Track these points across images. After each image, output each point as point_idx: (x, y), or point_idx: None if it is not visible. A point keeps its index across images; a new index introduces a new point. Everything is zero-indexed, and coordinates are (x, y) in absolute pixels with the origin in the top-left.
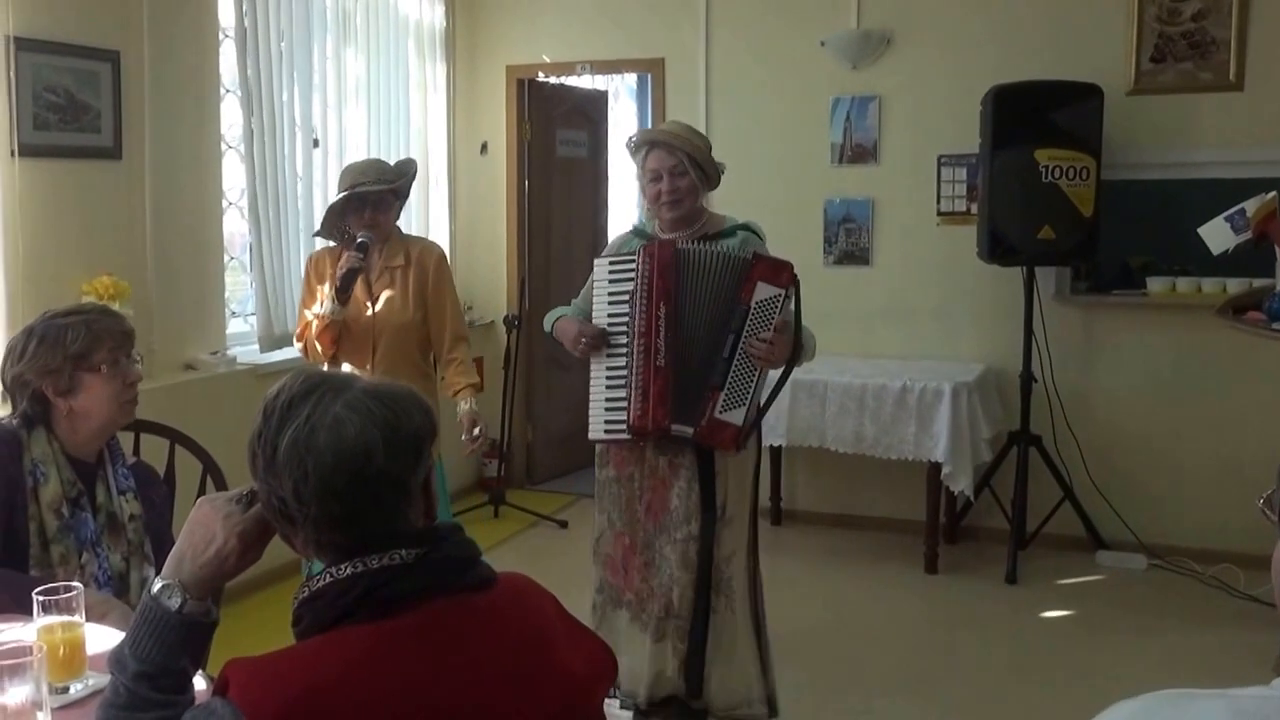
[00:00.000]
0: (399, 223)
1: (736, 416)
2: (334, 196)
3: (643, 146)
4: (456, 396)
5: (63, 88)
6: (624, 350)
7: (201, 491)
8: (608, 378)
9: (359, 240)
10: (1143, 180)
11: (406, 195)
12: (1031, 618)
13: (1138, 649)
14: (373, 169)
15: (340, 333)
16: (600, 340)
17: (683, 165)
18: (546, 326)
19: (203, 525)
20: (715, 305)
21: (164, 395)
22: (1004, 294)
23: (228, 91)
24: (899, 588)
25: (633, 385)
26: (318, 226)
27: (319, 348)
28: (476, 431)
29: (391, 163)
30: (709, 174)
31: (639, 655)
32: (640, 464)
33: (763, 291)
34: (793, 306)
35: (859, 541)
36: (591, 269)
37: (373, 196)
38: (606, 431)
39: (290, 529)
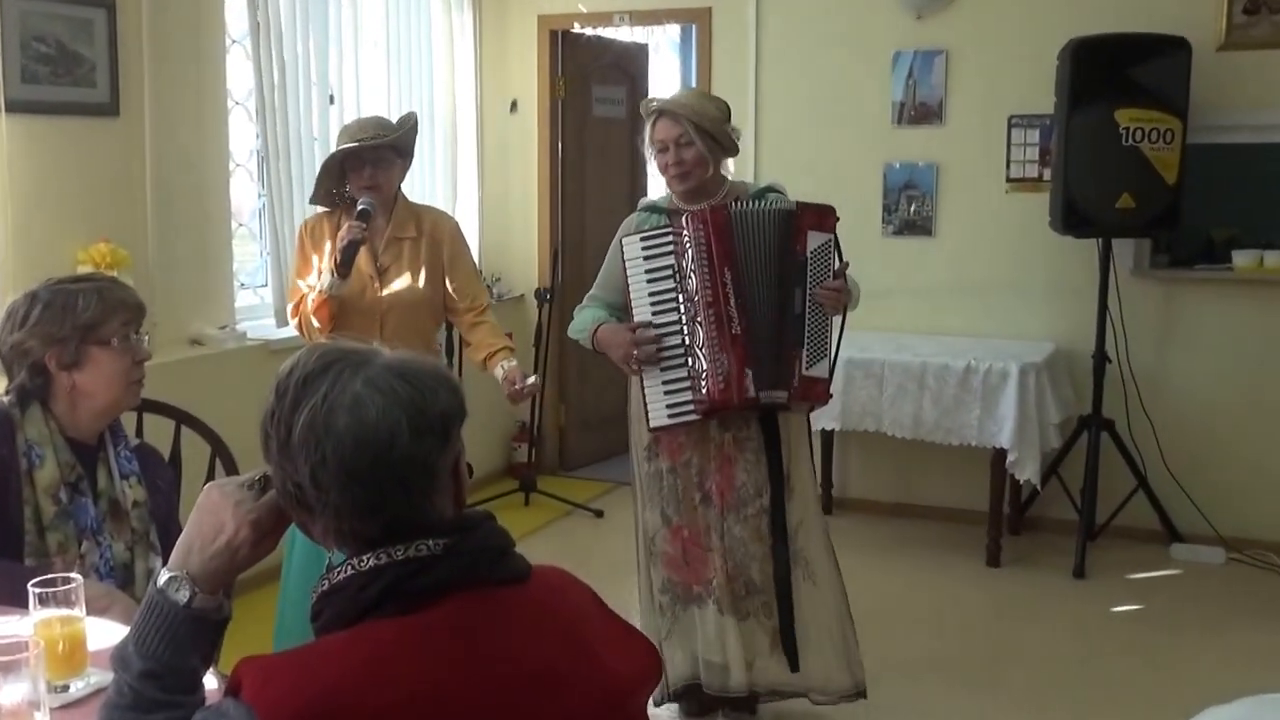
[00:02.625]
0: (405, 190)
1: (822, 369)
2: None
3: (650, 116)
4: (492, 360)
5: (53, 37)
6: (675, 328)
7: (210, 476)
8: (662, 359)
9: (360, 208)
10: (1231, 144)
11: (410, 153)
12: (1100, 614)
13: (1214, 648)
14: (371, 124)
15: (339, 308)
16: (654, 344)
17: (688, 135)
18: (577, 334)
19: (212, 513)
20: (775, 262)
21: (169, 372)
22: (1077, 268)
23: (234, 42)
24: (959, 582)
25: (705, 359)
26: (312, 191)
27: (315, 324)
28: (530, 380)
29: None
30: (722, 142)
31: (727, 642)
32: (701, 446)
33: (814, 239)
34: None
35: (917, 532)
36: (614, 245)
37: (371, 154)
38: (671, 416)
39: (307, 517)
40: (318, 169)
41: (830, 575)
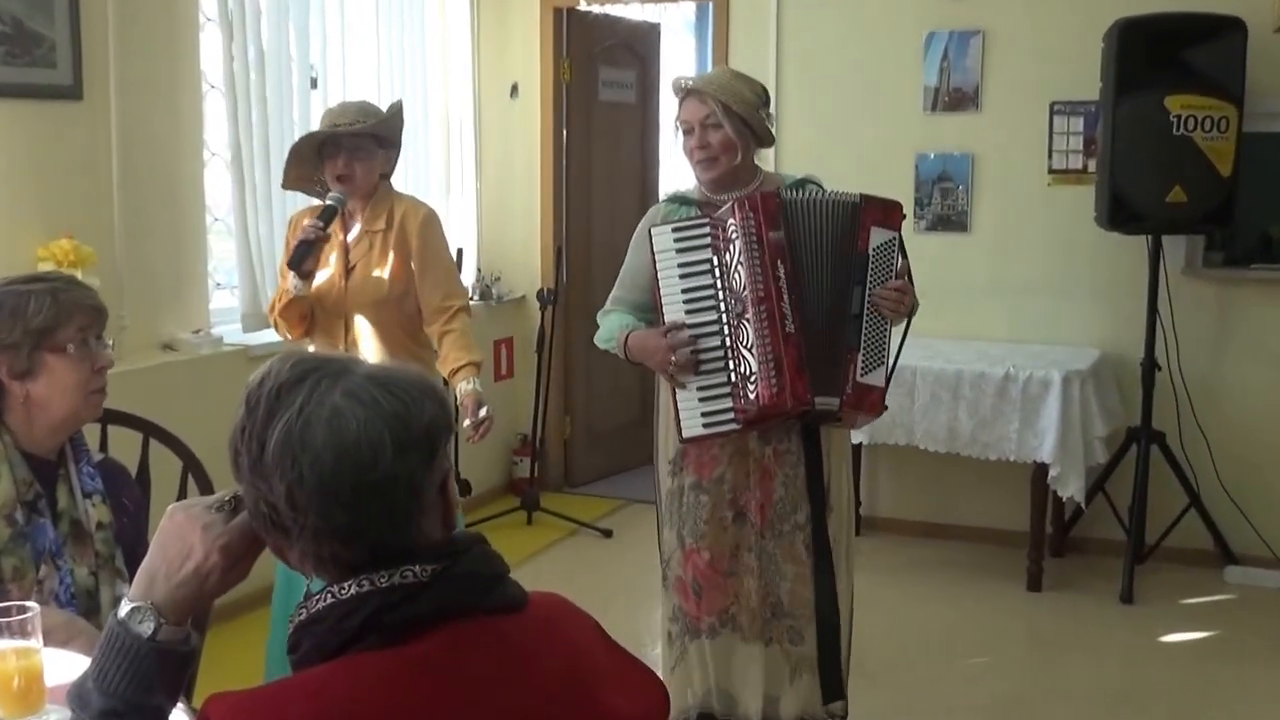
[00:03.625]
0: (396, 183)
1: (878, 378)
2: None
3: (678, 95)
4: (455, 378)
5: (9, 14)
6: (714, 329)
7: (182, 494)
8: (697, 363)
9: (327, 203)
10: None
11: (395, 143)
12: (1150, 642)
13: (1273, 680)
14: (353, 110)
15: (310, 310)
16: (690, 346)
17: (716, 117)
18: (606, 343)
19: (177, 537)
20: (833, 257)
21: (137, 380)
22: (1124, 267)
23: (209, 20)
24: (998, 607)
25: (757, 359)
26: (283, 176)
27: (284, 330)
28: (483, 413)
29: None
30: (755, 128)
31: (748, 671)
32: (738, 459)
33: (878, 236)
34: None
35: (951, 554)
36: (639, 238)
37: (348, 141)
38: (706, 426)
39: (283, 541)
40: None
41: (847, 598)
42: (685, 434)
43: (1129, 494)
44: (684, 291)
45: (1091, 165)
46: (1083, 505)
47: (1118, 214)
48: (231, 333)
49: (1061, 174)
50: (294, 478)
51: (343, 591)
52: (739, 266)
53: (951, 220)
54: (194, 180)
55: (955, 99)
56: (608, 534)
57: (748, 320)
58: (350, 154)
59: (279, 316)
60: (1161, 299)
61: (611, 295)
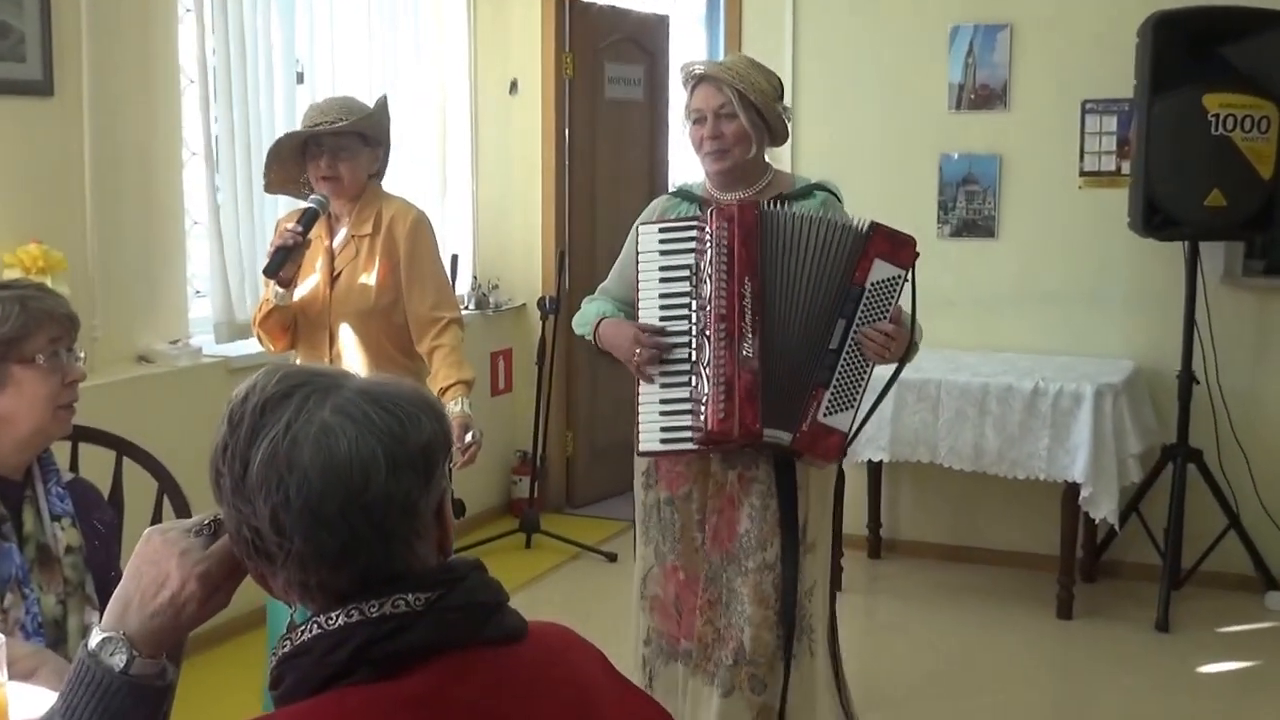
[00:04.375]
0: (387, 186)
1: (843, 421)
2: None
3: (689, 82)
4: (443, 397)
5: None
6: (683, 340)
7: (158, 517)
8: (663, 374)
9: (307, 206)
10: None
11: (382, 141)
12: (1187, 673)
13: None
14: (335, 106)
15: (293, 321)
16: (661, 345)
17: (731, 106)
18: (581, 328)
19: (153, 563)
20: (819, 284)
21: (110, 394)
22: (1160, 275)
23: (188, 11)
24: (1025, 636)
25: (710, 381)
26: (264, 180)
27: (266, 341)
28: (470, 437)
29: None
30: (770, 122)
31: (705, 716)
32: (702, 480)
33: (880, 271)
34: (909, 291)
35: (977, 579)
36: (632, 232)
37: (331, 140)
38: (664, 442)
39: (266, 567)
40: None
41: (825, 643)
42: (641, 447)
43: (1165, 515)
44: (661, 296)
45: (1125, 167)
46: (1116, 527)
47: (1153, 219)
48: (212, 343)
49: (1093, 176)
50: (279, 500)
51: (330, 622)
52: (707, 278)
53: (977, 225)
54: (172, 181)
55: (981, 96)
56: (612, 558)
57: (707, 337)
58: (334, 154)
59: (260, 328)
60: (1199, 309)
61: (600, 286)
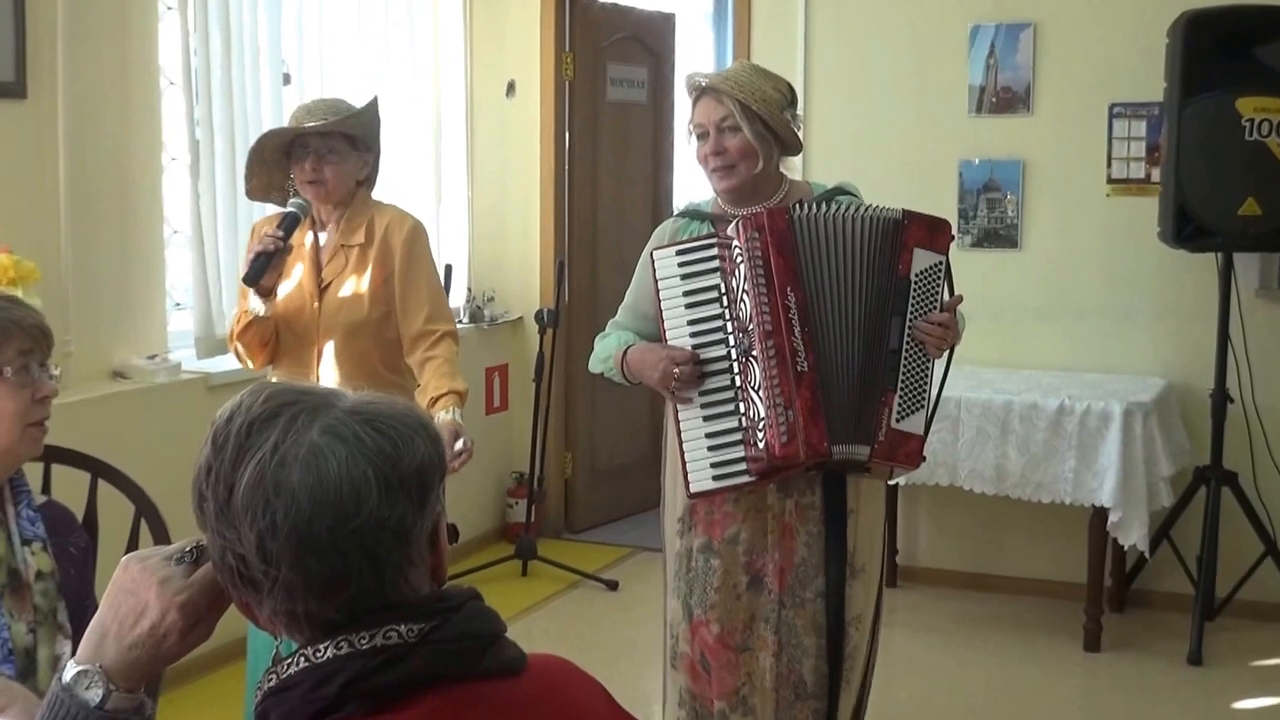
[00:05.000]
0: (378, 192)
1: (916, 424)
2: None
3: (692, 94)
4: (434, 408)
5: None
6: (722, 365)
7: (134, 542)
8: (704, 406)
9: (287, 210)
10: None
11: (371, 145)
12: (1221, 709)
13: None
14: (321, 107)
15: (275, 333)
16: (697, 368)
17: (734, 118)
18: (602, 364)
19: (131, 592)
20: (864, 283)
21: (84, 412)
22: (1192, 287)
23: (169, 9)
24: (1051, 669)
25: (764, 403)
26: (245, 184)
27: (245, 356)
28: (460, 444)
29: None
30: (779, 132)
31: None
32: (756, 518)
33: (922, 259)
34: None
35: (999, 609)
36: (643, 260)
37: (317, 141)
38: (717, 479)
39: (252, 596)
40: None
41: (861, 676)
42: (693, 488)
43: (1197, 542)
44: (690, 323)
45: (1155, 174)
46: (1146, 554)
47: (1184, 228)
48: (191, 358)
49: (1122, 184)
50: (266, 525)
51: (318, 654)
52: (744, 295)
53: (999, 235)
54: (151, 187)
55: (1003, 100)
56: (613, 586)
57: (755, 358)
58: (319, 156)
59: (238, 342)
60: (1233, 323)
61: (612, 320)
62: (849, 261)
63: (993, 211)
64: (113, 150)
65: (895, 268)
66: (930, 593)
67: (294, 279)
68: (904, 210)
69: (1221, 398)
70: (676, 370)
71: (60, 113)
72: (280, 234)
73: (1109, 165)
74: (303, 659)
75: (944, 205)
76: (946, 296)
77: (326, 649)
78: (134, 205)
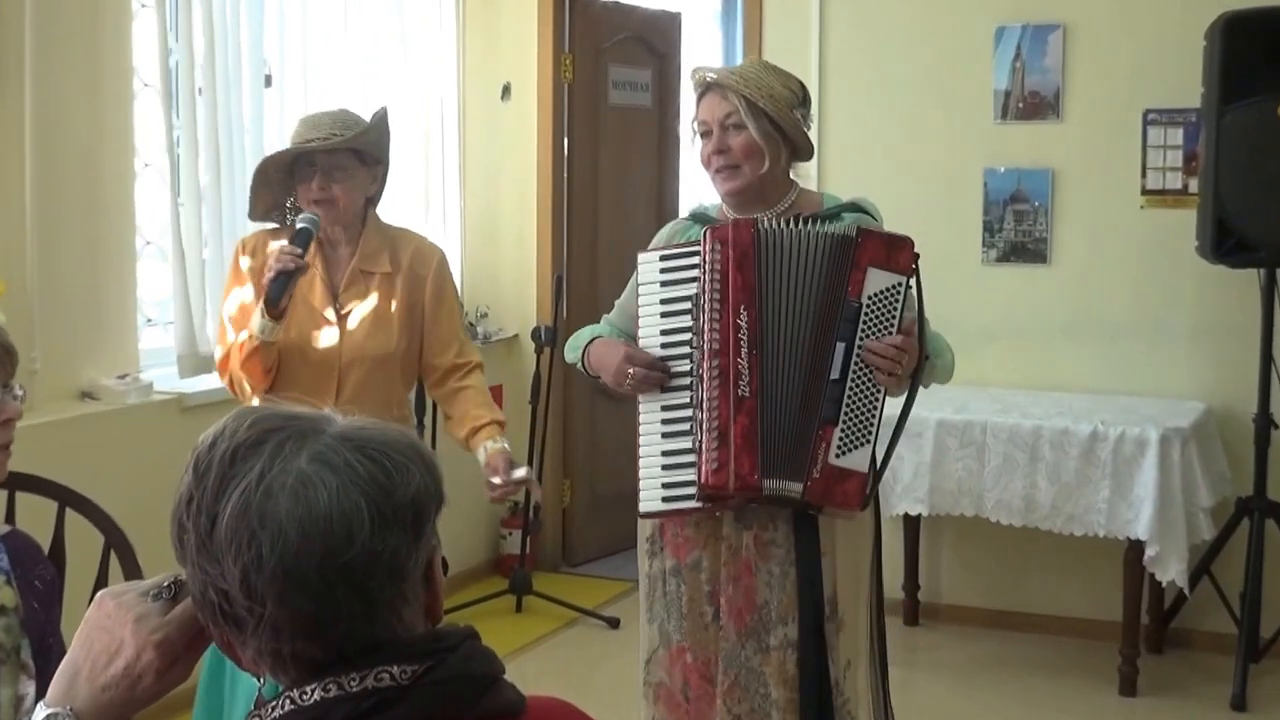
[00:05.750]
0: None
1: (860, 460)
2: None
3: (696, 90)
4: (477, 437)
5: None
6: (684, 380)
7: (104, 574)
8: (664, 423)
9: (299, 226)
10: None
11: (380, 159)
12: None
13: None
14: (327, 121)
15: (281, 360)
16: (657, 371)
17: (739, 115)
18: (571, 353)
19: (105, 630)
20: (812, 305)
21: (51, 435)
22: (1232, 305)
23: (144, 6)
24: (1085, 714)
25: (703, 428)
26: (249, 205)
27: (245, 385)
28: (521, 473)
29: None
30: (788, 131)
31: None
32: (713, 544)
33: (876, 280)
34: (915, 300)
35: (1028, 650)
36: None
37: (324, 158)
38: (666, 500)
39: (235, 635)
40: (245, 168)
41: None
42: (642, 508)
43: (1240, 578)
44: (662, 332)
45: (1193, 185)
46: (1185, 591)
47: (1223, 243)
48: (165, 378)
49: (1157, 195)
50: (251, 559)
51: (305, 697)
52: (703, 310)
53: (1027, 249)
54: (122, 196)
55: (1031, 105)
56: (614, 624)
57: (703, 376)
58: (327, 173)
59: (241, 371)
60: (1277, 343)
61: (605, 316)
62: (800, 281)
63: (1020, 224)
64: (82, 156)
65: (845, 290)
66: (953, 632)
67: (304, 304)
68: (859, 227)
69: (1265, 423)
70: (630, 371)
71: (27, 116)
72: (299, 252)
73: (1143, 175)
74: (288, 702)
75: (968, 217)
76: (907, 320)
77: (314, 691)
78: (105, 215)
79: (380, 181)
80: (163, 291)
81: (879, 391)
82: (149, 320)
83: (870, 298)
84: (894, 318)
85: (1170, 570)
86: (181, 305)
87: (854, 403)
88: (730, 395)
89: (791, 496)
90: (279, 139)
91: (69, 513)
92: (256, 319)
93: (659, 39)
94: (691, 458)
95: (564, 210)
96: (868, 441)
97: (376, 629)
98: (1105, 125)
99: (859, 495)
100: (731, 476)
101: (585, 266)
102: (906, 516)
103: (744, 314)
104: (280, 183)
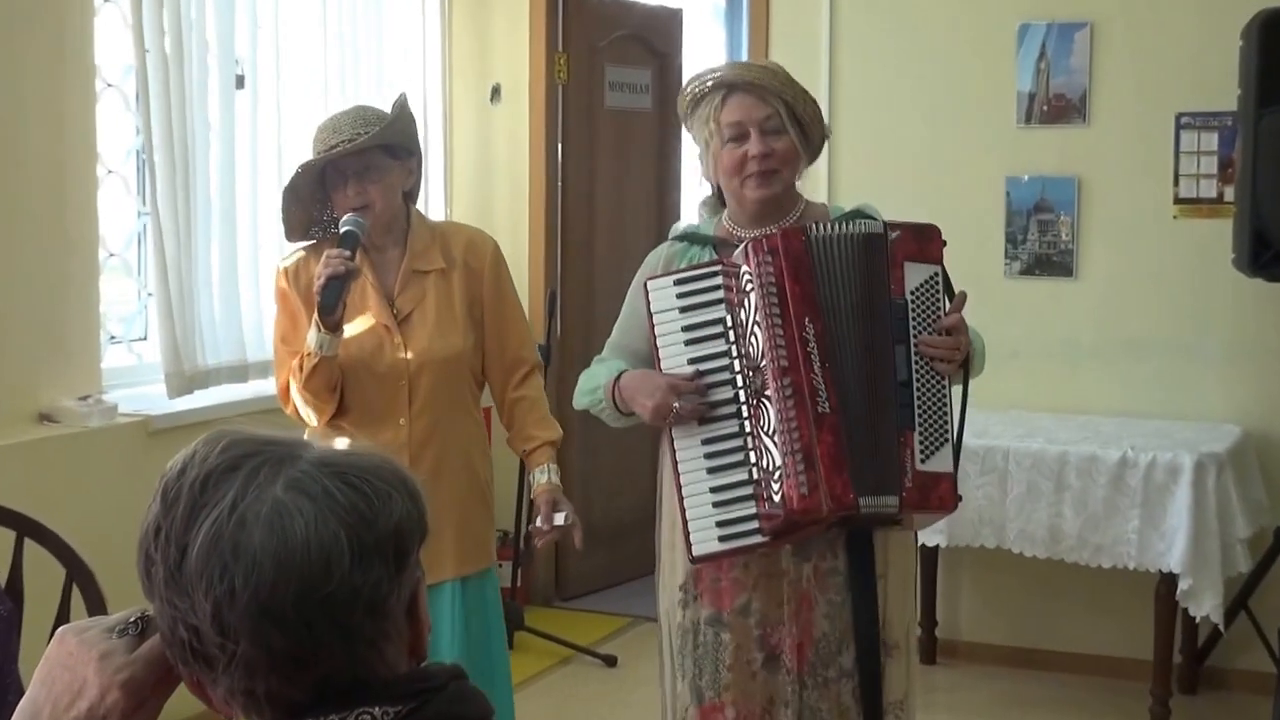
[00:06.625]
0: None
1: (944, 460)
2: (288, 167)
3: (716, 92)
4: (530, 459)
5: None
6: (729, 410)
7: (65, 612)
8: (709, 456)
9: (344, 229)
10: None
11: (410, 149)
12: None
13: None
14: (348, 123)
15: (339, 378)
16: (702, 402)
17: (778, 119)
18: (589, 396)
19: (68, 668)
20: (867, 309)
21: (7, 461)
22: (1272, 321)
23: (106, 1)
24: None
25: (781, 450)
26: (284, 226)
27: (310, 409)
28: (562, 519)
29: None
30: (811, 139)
31: None
32: (765, 584)
33: (915, 273)
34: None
35: (1053, 690)
36: (634, 290)
37: (353, 162)
38: (724, 540)
39: (205, 674)
40: (215, 173)
41: None
42: (695, 551)
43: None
44: (691, 362)
45: (1229, 193)
46: (1221, 627)
47: (1262, 255)
48: (130, 398)
49: (1191, 204)
50: (223, 593)
51: None
52: (755, 328)
53: (1052, 261)
54: (84, 204)
55: (1056, 108)
56: (611, 662)
57: (768, 398)
58: (360, 177)
59: (305, 393)
60: None
61: (597, 358)
62: (849, 286)
63: (1044, 235)
64: (41, 161)
65: (889, 288)
66: (974, 671)
67: (358, 314)
68: (885, 221)
69: None
70: (677, 403)
71: None
72: (348, 253)
73: (1176, 183)
74: None
75: (989, 227)
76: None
77: None
78: (65, 224)
79: (415, 174)
80: (126, 306)
81: (944, 386)
82: (113, 338)
83: (913, 293)
84: (938, 309)
85: (1205, 605)
86: (165, 320)
87: (925, 403)
88: (809, 413)
89: (888, 511)
90: (250, 143)
91: (28, 543)
92: (313, 335)
93: (659, 37)
94: (746, 490)
95: (557, 222)
96: (947, 439)
97: (357, 668)
98: (1135, 129)
99: (952, 495)
100: (825, 498)
101: (580, 282)
102: (924, 548)
103: (809, 326)
104: (313, 196)
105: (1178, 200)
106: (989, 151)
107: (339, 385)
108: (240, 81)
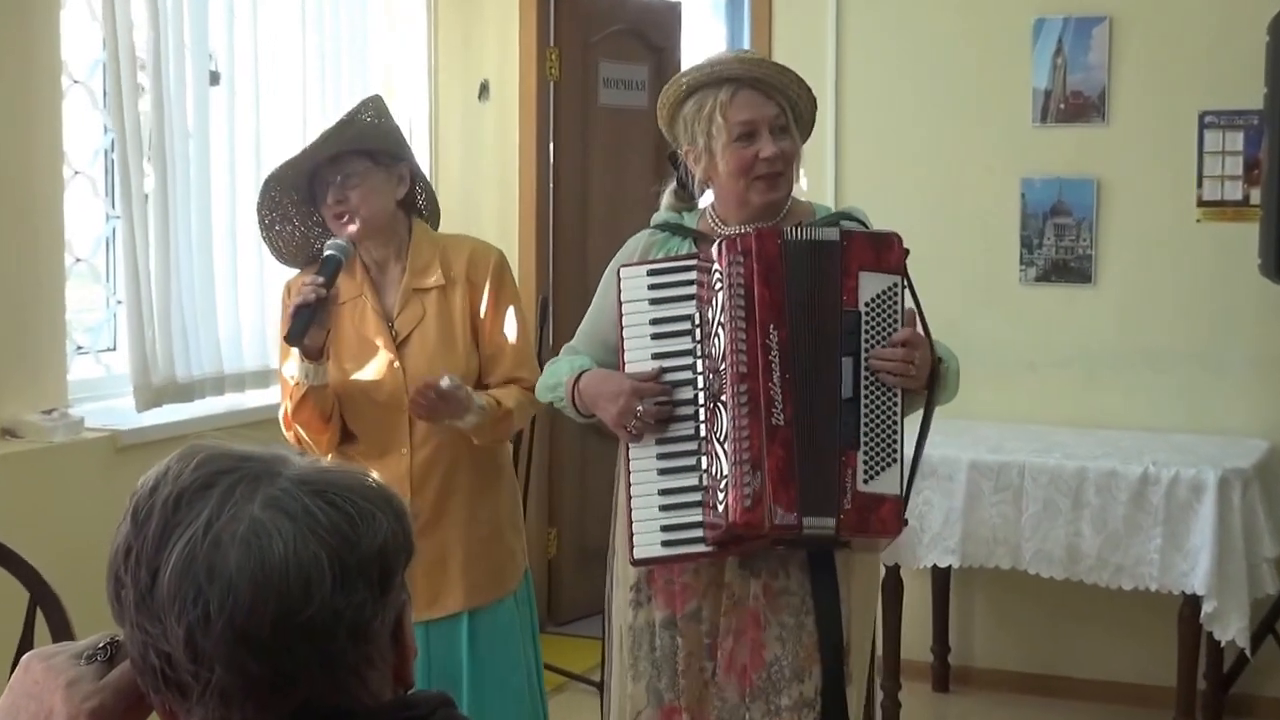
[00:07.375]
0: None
1: (890, 482)
2: (266, 168)
3: (723, 86)
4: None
5: None
6: (688, 411)
7: (28, 638)
8: (661, 458)
9: (325, 253)
10: None
11: (396, 153)
12: None
13: None
14: (327, 131)
15: (334, 407)
16: (665, 407)
17: (785, 118)
18: (551, 393)
19: (34, 697)
20: (816, 321)
21: None
22: None
23: None
24: None
25: (730, 459)
26: (269, 249)
27: (308, 439)
28: (446, 382)
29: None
30: (805, 137)
31: None
32: (713, 592)
33: (870, 284)
34: (911, 301)
35: (1071, 718)
36: (607, 277)
37: (325, 171)
38: (667, 545)
39: (178, 703)
40: (190, 174)
41: None
42: (636, 553)
43: None
44: (655, 356)
45: (1255, 196)
46: (1247, 652)
47: None
48: (97, 412)
49: (1215, 207)
50: (197, 617)
51: None
52: (719, 329)
53: (1069, 267)
54: (49, 206)
55: (1073, 107)
56: (600, 687)
57: (724, 404)
58: (340, 185)
59: (295, 420)
60: None
61: (567, 345)
62: (804, 295)
63: (1061, 240)
64: (2, 161)
65: (840, 299)
66: (988, 699)
67: (357, 337)
68: (841, 230)
69: None
70: (640, 407)
71: None
72: (319, 279)
73: (1199, 185)
74: None
75: (1003, 232)
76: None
77: None
78: (28, 228)
79: (407, 182)
80: (94, 314)
81: (896, 404)
82: (79, 348)
83: (867, 305)
84: (895, 324)
85: (1230, 628)
86: (135, 329)
87: (872, 420)
88: (763, 424)
89: (825, 535)
90: (226, 143)
91: None
92: (294, 363)
93: (656, 32)
94: (695, 496)
95: (549, 224)
96: (894, 460)
97: (338, 695)
98: (1156, 128)
99: (896, 520)
100: (767, 515)
101: (573, 287)
102: (935, 569)
103: (774, 333)
104: (304, 214)
105: (1201, 203)
106: (1003, 152)
107: (334, 414)
108: (215, 78)
